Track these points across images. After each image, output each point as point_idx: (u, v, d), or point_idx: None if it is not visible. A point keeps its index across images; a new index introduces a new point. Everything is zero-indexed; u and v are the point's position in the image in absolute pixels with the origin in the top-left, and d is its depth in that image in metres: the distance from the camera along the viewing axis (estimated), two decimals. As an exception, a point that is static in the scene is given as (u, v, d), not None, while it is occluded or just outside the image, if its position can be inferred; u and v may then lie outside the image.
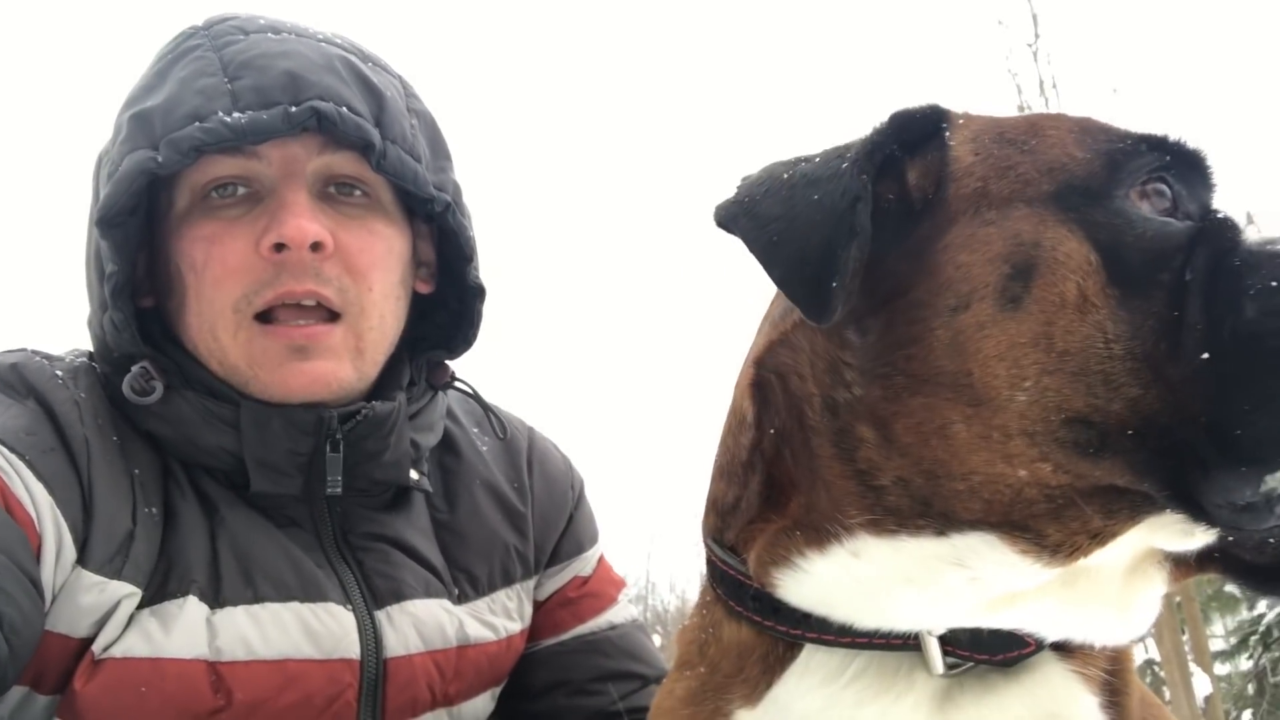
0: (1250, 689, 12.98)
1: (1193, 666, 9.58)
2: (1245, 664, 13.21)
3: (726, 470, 0.98)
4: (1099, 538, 0.79)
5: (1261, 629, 12.90)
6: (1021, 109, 10.39)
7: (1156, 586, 0.87)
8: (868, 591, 0.85)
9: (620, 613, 1.54)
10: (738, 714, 0.93)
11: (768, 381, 0.93)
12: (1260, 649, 12.88)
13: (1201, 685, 9.78)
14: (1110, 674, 0.91)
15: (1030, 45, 10.83)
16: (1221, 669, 12.98)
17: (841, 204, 0.81)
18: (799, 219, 0.84)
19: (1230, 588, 12.92)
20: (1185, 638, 9.90)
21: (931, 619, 0.85)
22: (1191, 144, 0.86)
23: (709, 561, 1.01)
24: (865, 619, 0.86)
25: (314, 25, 1.31)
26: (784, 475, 0.91)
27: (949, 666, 0.86)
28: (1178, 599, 9.72)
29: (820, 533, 0.86)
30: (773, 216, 0.85)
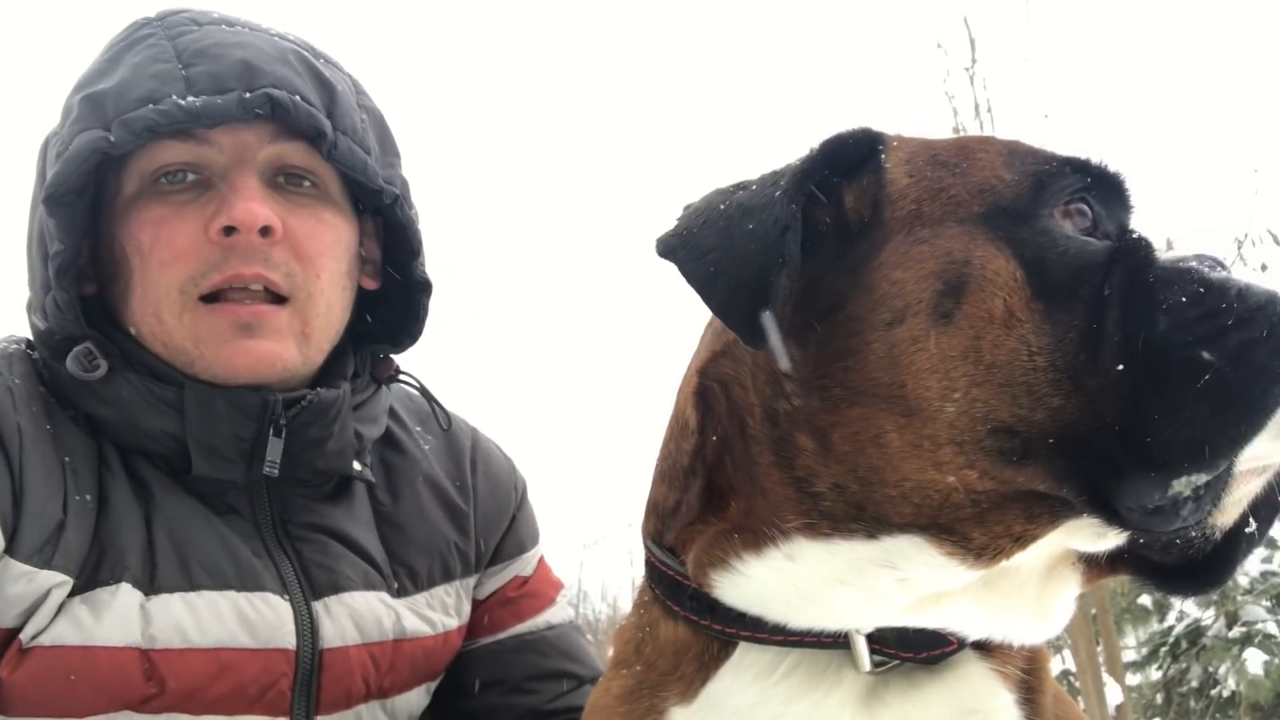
0: (1159, 699, 13.45)
1: (1106, 676, 9.88)
2: (1155, 674, 13.68)
3: (668, 475, 1.01)
4: (1020, 540, 0.83)
5: (1171, 640, 13.37)
6: (957, 130, 10.65)
7: (1071, 588, 0.92)
8: (801, 593, 0.88)
9: (558, 613, 1.55)
10: (673, 711, 0.95)
11: (711, 390, 0.96)
12: (1169, 660, 13.35)
13: (1114, 695, 10.09)
14: (1026, 672, 0.95)
15: (968, 69, 11.07)
16: (1133, 679, 13.42)
17: (773, 233, 0.84)
18: (735, 249, 0.87)
19: (1143, 599, 13.38)
20: (1099, 648, 10.20)
21: (862, 619, 0.88)
22: (1112, 168, 0.91)
23: (648, 562, 1.03)
24: (798, 619, 0.89)
25: (266, 22, 1.32)
26: (724, 481, 0.94)
27: (876, 664, 0.89)
28: (1093, 611, 10.02)
29: (757, 536, 0.89)
30: (710, 247, 0.88)
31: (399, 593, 1.36)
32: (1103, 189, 0.90)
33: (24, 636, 1.11)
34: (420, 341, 1.44)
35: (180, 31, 1.23)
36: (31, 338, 1.30)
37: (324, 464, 1.31)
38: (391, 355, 1.45)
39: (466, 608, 1.46)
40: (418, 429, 1.53)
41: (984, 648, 0.93)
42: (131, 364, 1.24)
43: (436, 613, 1.40)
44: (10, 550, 1.11)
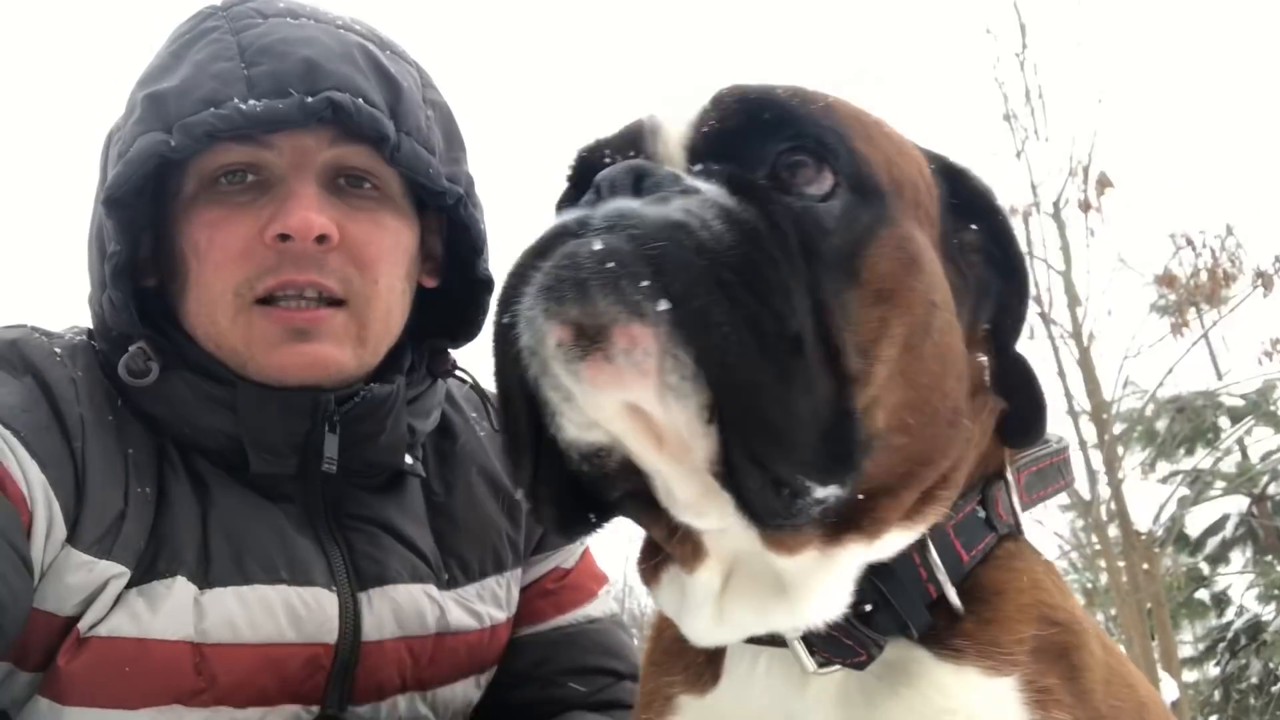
0: (1217, 695, 13.15)
1: (1161, 673, 9.70)
2: (1213, 670, 13.38)
3: None
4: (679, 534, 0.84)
5: (1230, 636, 13.06)
6: (1007, 118, 10.45)
7: (810, 570, 0.84)
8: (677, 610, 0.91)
9: (599, 607, 1.55)
10: (680, 700, 0.97)
11: None
12: (1228, 656, 13.04)
13: (1170, 691, 9.90)
14: (1048, 658, 0.86)
15: (1018, 55, 10.85)
16: (1190, 675, 13.14)
17: None
18: None
19: (1201, 594, 13.08)
20: (1155, 643, 10.01)
21: (705, 626, 0.88)
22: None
23: None
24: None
25: (332, 9, 1.31)
26: None
27: (821, 665, 0.86)
28: (1149, 605, 9.83)
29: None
30: None
31: (448, 584, 1.37)
32: None
33: (82, 626, 1.13)
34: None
35: (245, 25, 1.22)
36: (94, 330, 1.32)
37: (376, 458, 1.32)
38: (449, 350, 1.46)
39: (516, 599, 1.47)
40: (473, 416, 1.54)
41: (954, 646, 0.86)
42: (186, 362, 1.25)
43: (486, 605, 1.40)
44: (71, 539, 1.13)
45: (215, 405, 1.24)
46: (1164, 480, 12.18)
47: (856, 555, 0.82)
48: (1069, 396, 9.92)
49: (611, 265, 0.66)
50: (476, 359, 1.49)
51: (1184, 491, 10.77)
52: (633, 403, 0.70)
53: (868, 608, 0.84)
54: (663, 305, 0.66)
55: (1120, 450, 10.15)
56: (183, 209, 1.25)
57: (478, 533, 1.43)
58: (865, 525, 0.81)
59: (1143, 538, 9.77)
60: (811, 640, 0.85)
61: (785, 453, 0.69)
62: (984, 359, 0.93)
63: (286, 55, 1.18)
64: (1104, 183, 9.67)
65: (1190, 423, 11.84)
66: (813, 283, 0.71)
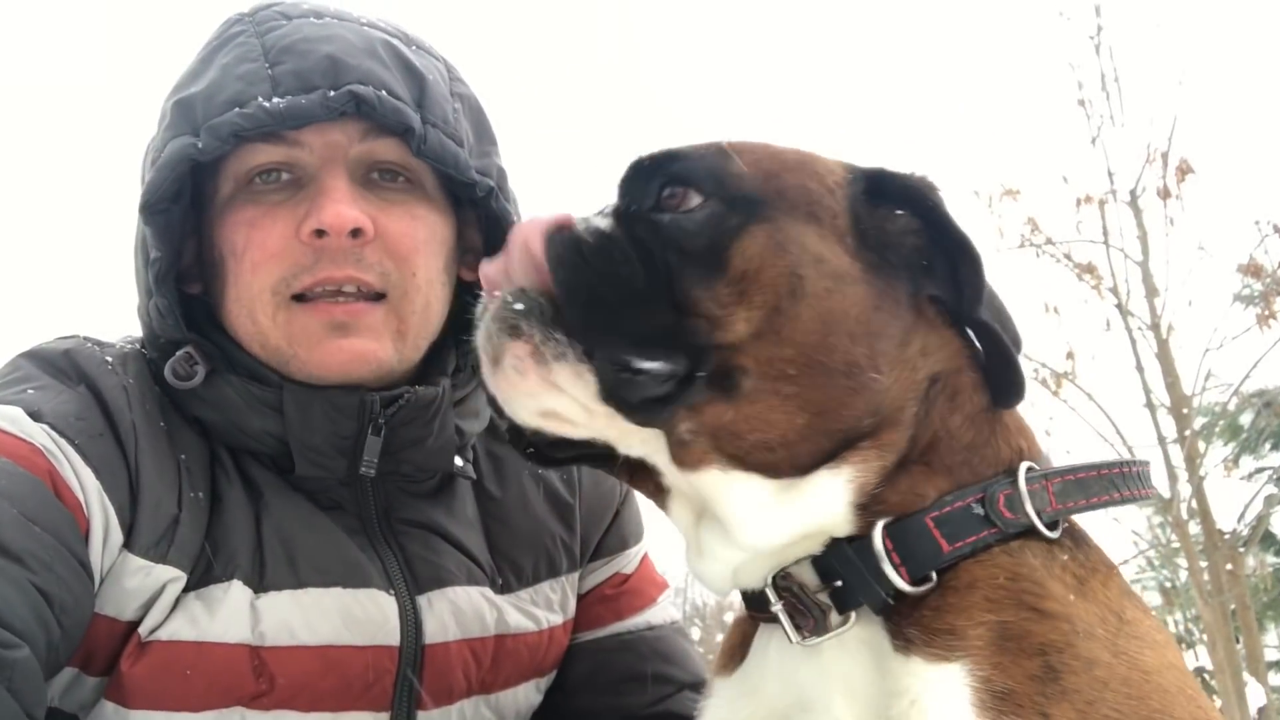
0: (1306, 701, 12.63)
1: (1247, 676, 9.35)
2: (1302, 675, 12.86)
3: None
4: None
5: (1320, 640, 12.55)
6: (1082, 104, 10.16)
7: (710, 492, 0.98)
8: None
9: (659, 614, 1.52)
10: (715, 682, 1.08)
11: None
12: (1318, 660, 12.53)
13: (1256, 696, 9.55)
14: (1005, 647, 0.85)
15: (1092, 38, 10.54)
16: (1276, 679, 12.66)
17: None
18: None
19: (1288, 597, 12.57)
20: (1240, 646, 9.65)
21: (694, 561, 1.03)
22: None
23: None
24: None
25: (358, 9, 1.31)
26: None
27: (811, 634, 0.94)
28: (1233, 607, 9.48)
29: None
30: None
31: (503, 589, 1.35)
32: None
33: (142, 630, 1.14)
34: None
35: (269, 27, 1.23)
36: (144, 339, 1.33)
37: (424, 461, 1.31)
38: None
39: (572, 604, 1.44)
40: None
41: (908, 630, 0.89)
42: (233, 366, 1.25)
43: (541, 609, 1.38)
44: (128, 544, 1.14)
45: (262, 408, 1.24)
46: (1248, 477, 11.75)
47: (761, 487, 0.95)
48: (1147, 390, 9.62)
49: (511, 304, 0.95)
50: None
51: (1271, 489, 10.36)
52: (532, 392, 0.95)
53: (839, 584, 0.94)
54: (538, 310, 0.93)
55: (1202, 446, 9.80)
56: (219, 211, 1.26)
57: (530, 536, 1.41)
58: (763, 461, 0.94)
59: (1226, 537, 9.42)
60: (791, 612, 0.95)
61: (619, 341, 0.91)
62: (948, 334, 1.02)
63: (309, 53, 1.19)
64: (1184, 169, 9.34)
65: (1277, 418, 11.38)
66: (673, 266, 0.95)
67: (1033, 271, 10.14)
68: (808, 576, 0.96)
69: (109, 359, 1.25)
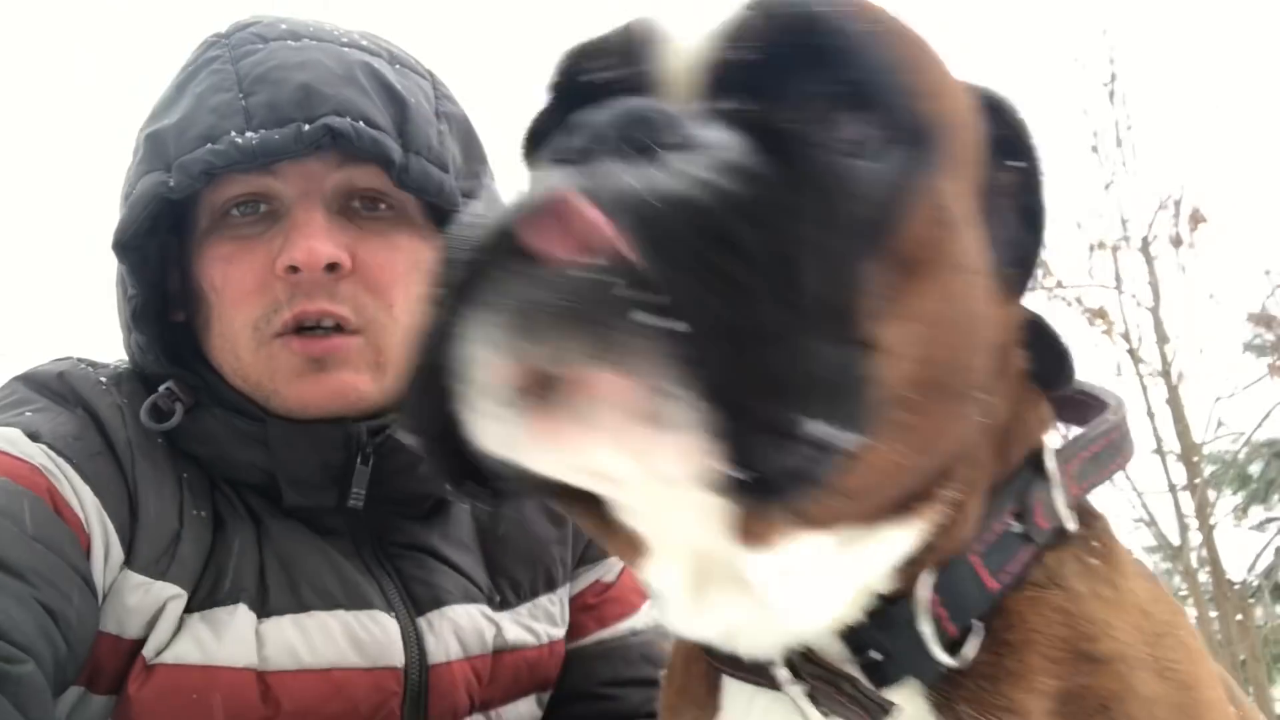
0: (1316, 757, 12.44)
1: (1256, 730, 9.23)
2: (1312, 731, 12.68)
3: None
4: None
5: (1331, 695, 12.38)
6: (1095, 150, 10.22)
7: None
8: None
9: (643, 619, 1.50)
10: None
11: None
12: (1329, 716, 12.36)
13: (1264, 750, 9.44)
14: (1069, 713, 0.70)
15: (1106, 85, 10.63)
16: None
17: None
18: None
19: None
20: (1249, 698, 9.54)
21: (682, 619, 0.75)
22: None
23: None
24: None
25: (339, 26, 1.26)
26: None
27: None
28: (1242, 658, 9.38)
29: None
30: None
31: (501, 605, 1.34)
32: None
33: (148, 653, 1.13)
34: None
35: (245, 52, 1.21)
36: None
37: (415, 487, 1.30)
38: None
39: (568, 614, 1.44)
40: None
41: (957, 706, 0.71)
42: (218, 399, 1.24)
43: (541, 623, 1.38)
44: (128, 561, 1.13)
45: (248, 440, 1.23)
46: (1258, 527, 11.66)
47: (815, 545, 0.67)
48: (1158, 437, 9.59)
49: (606, 293, 0.51)
50: None
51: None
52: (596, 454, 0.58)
53: (877, 658, 0.71)
54: (648, 334, 0.52)
55: (1212, 495, 9.74)
56: (198, 244, 1.24)
57: (529, 552, 1.40)
58: (834, 514, 0.66)
59: (1236, 587, 9.34)
60: (815, 696, 0.73)
61: (769, 391, 0.54)
62: (1009, 313, 0.78)
63: (283, 82, 1.16)
64: (1197, 218, 9.36)
65: (1289, 467, 11.31)
66: (835, 252, 0.59)
67: (1045, 314, 10.13)
68: (833, 647, 0.73)
69: (103, 379, 1.25)
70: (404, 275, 1.25)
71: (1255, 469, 11.38)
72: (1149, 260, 9.94)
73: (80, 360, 1.29)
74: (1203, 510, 9.31)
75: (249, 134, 1.14)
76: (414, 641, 1.25)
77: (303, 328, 1.20)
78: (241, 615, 1.17)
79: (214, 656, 1.14)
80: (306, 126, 1.14)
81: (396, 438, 1.25)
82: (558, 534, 1.44)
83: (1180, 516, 9.22)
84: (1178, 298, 9.63)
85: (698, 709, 0.84)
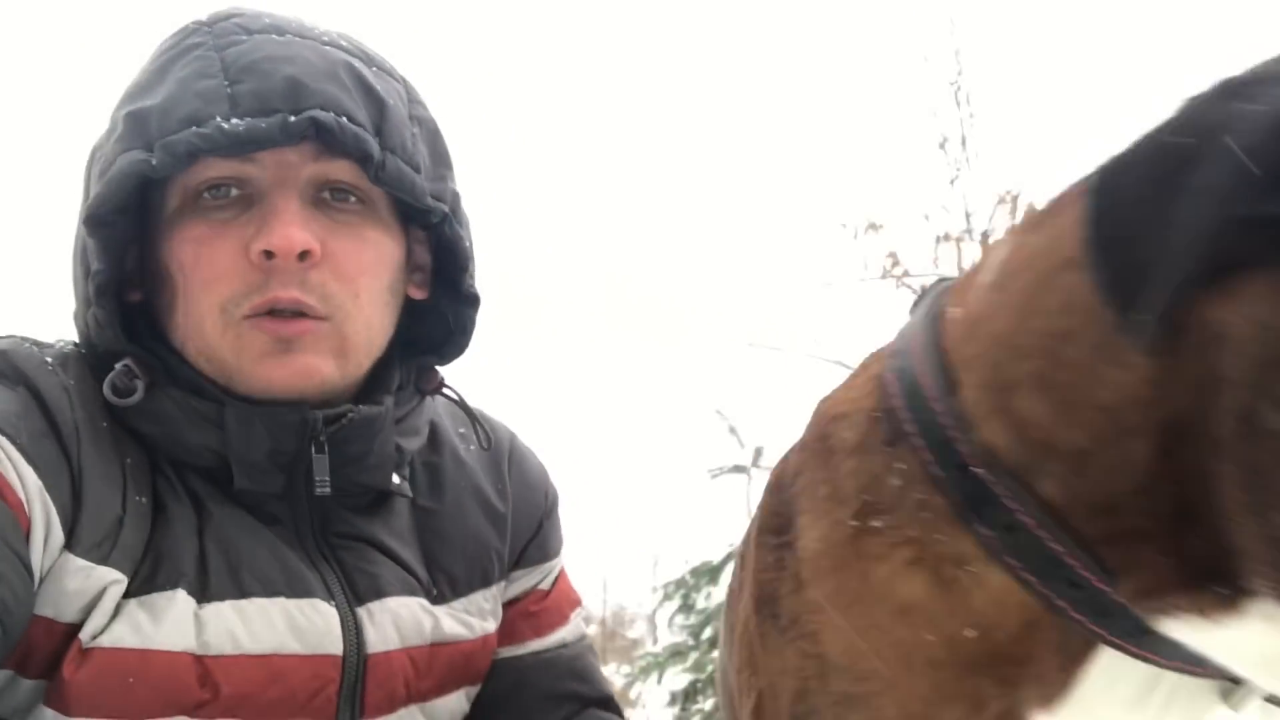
0: None
1: None
2: None
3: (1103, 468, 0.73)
4: None
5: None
6: (942, 146, 10.76)
7: None
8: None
9: (573, 630, 1.56)
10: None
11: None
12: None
13: None
14: None
15: (952, 83, 11.17)
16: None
17: None
18: None
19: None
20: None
21: None
22: None
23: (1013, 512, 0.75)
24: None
25: (319, 25, 1.30)
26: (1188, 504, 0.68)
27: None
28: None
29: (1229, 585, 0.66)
30: None
31: (438, 599, 1.37)
32: None
33: (84, 636, 1.12)
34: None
35: (229, 42, 1.22)
36: (80, 345, 1.30)
37: (364, 479, 1.31)
38: (437, 367, 1.45)
39: (500, 610, 1.47)
40: (461, 431, 1.53)
41: None
42: (174, 379, 1.24)
43: (475, 617, 1.41)
44: (69, 545, 1.13)
45: (202, 422, 1.23)
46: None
47: None
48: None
49: None
50: (462, 376, 1.48)
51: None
52: None
53: None
54: None
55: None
56: (167, 224, 1.24)
57: (466, 549, 1.43)
58: None
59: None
60: None
61: None
62: None
63: (271, 73, 1.18)
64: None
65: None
66: None
67: (893, 302, 10.64)
68: None
69: (49, 359, 1.23)
70: (371, 266, 1.28)
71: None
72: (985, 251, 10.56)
73: (24, 339, 1.27)
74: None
75: (235, 120, 1.15)
76: (353, 630, 1.26)
77: (273, 311, 1.22)
78: (180, 600, 1.17)
79: (151, 640, 1.14)
80: (292, 118, 1.16)
81: (350, 429, 1.27)
82: (495, 532, 1.47)
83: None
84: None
85: (1040, 684, 0.77)
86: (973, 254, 10.45)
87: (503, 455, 1.55)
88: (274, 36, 1.24)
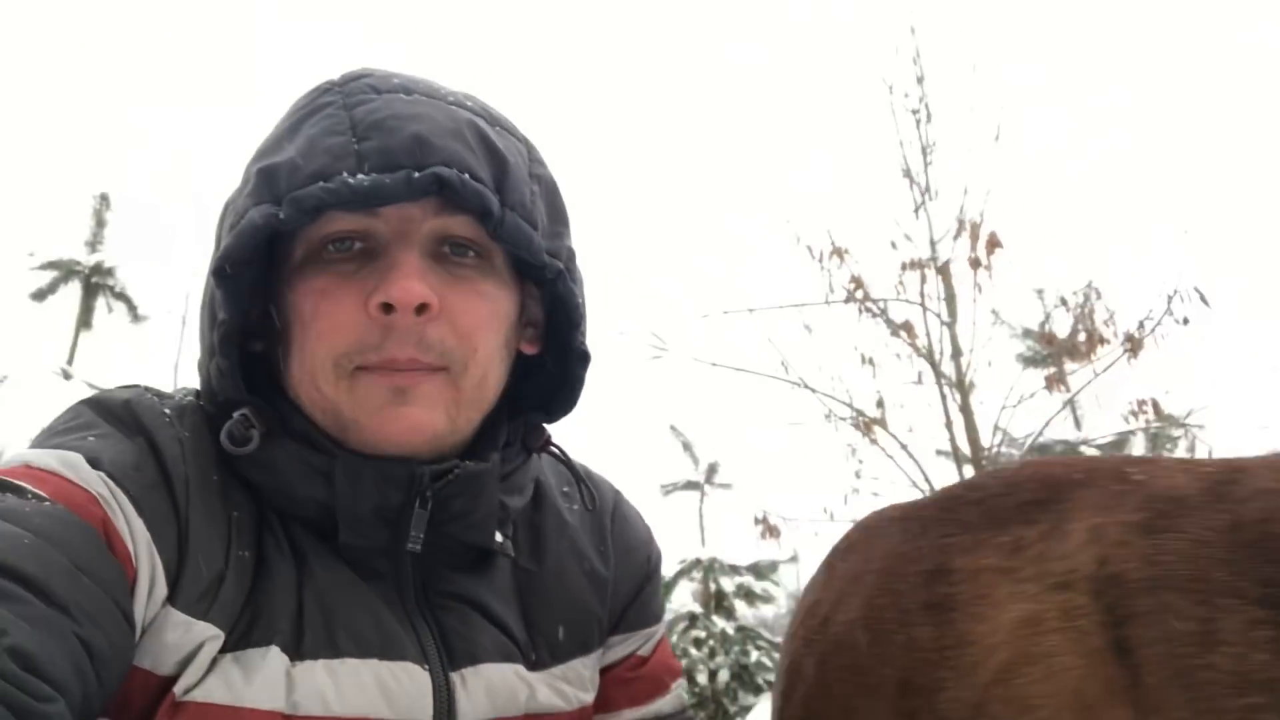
0: None
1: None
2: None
3: None
4: None
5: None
6: (907, 174, 10.97)
7: None
8: None
9: (671, 702, 1.53)
10: None
11: None
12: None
13: None
14: None
15: (915, 112, 11.42)
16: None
17: None
18: None
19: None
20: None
21: None
22: None
23: None
24: None
25: (446, 85, 1.33)
26: None
27: None
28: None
29: None
30: None
31: (535, 665, 1.35)
32: None
33: (177, 690, 1.11)
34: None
35: (359, 100, 1.24)
36: (202, 394, 1.32)
37: (466, 536, 1.30)
38: (544, 424, 1.44)
39: (597, 680, 1.45)
40: (565, 490, 1.52)
41: None
42: (289, 430, 1.25)
43: (572, 686, 1.38)
44: (171, 598, 1.12)
45: (313, 474, 1.23)
46: (1029, 524, 12.92)
47: None
48: (953, 441, 10.44)
49: None
50: (569, 434, 1.46)
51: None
52: None
53: None
54: None
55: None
56: (290, 276, 1.25)
57: (565, 613, 1.40)
58: None
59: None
60: None
61: None
62: None
63: (397, 130, 1.20)
64: (994, 242, 10.24)
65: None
66: None
67: (857, 326, 10.80)
68: None
69: (166, 411, 1.24)
70: (487, 320, 1.29)
71: (1027, 471, 12.57)
72: (947, 279, 10.77)
73: (147, 389, 1.29)
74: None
75: (360, 176, 1.17)
76: (445, 696, 1.24)
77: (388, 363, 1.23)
78: (274, 657, 1.16)
79: (242, 697, 1.13)
80: (417, 174, 1.17)
81: (456, 484, 1.26)
82: (596, 596, 1.46)
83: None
84: (974, 315, 10.50)
85: None
86: (934, 282, 10.67)
87: (606, 516, 1.54)
88: (402, 96, 1.26)
